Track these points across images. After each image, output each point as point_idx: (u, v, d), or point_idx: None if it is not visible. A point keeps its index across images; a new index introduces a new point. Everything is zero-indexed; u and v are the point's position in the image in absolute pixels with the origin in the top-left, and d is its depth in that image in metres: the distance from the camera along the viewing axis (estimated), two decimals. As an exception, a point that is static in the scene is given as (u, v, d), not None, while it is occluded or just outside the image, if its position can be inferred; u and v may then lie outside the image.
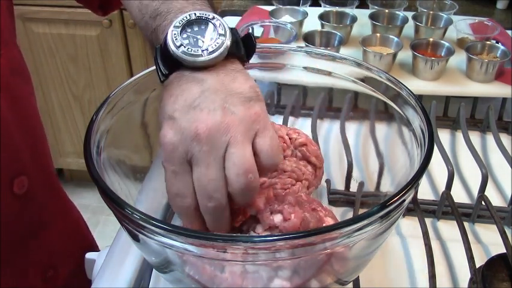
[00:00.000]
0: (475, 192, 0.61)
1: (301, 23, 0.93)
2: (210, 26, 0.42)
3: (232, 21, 0.96)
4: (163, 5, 0.45)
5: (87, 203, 1.96)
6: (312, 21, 0.93)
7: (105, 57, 1.65)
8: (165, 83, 0.42)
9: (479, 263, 0.50)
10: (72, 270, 0.68)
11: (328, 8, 0.99)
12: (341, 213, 0.61)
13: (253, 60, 0.59)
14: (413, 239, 0.58)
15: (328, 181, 0.62)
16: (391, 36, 0.86)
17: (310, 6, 1.07)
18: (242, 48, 0.43)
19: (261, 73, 0.64)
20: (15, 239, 0.58)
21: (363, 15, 0.94)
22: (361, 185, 0.60)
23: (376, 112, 0.57)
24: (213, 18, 0.42)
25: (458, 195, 0.64)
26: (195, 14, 0.42)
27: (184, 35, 0.41)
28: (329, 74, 0.57)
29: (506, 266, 0.48)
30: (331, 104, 0.72)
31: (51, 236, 0.64)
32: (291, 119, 0.74)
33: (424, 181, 0.67)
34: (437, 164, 0.64)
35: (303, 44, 0.85)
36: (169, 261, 0.42)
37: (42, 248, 0.63)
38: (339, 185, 0.62)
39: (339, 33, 0.86)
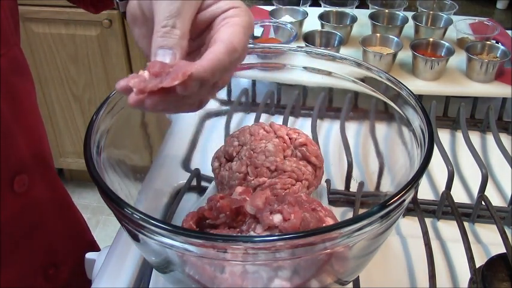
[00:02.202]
0: (475, 192, 0.61)
1: (301, 23, 0.93)
2: None
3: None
4: None
5: (87, 203, 1.97)
6: (312, 21, 0.93)
7: (105, 57, 1.65)
8: None
9: (479, 263, 0.50)
10: (73, 269, 0.68)
11: (328, 8, 0.99)
12: (341, 213, 0.61)
13: (253, 60, 0.60)
14: (413, 239, 0.58)
15: (328, 181, 0.62)
16: (391, 36, 0.86)
17: (310, 6, 1.06)
18: None
19: (261, 73, 0.65)
20: (16, 237, 0.58)
21: (363, 15, 0.94)
22: (361, 185, 0.60)
23: (376, 112, 0.57)
24: None
25: (458, 195, 0.64)
26: None
27: None
28: (329, 74, 0.57)
29: (506, 266, 0.48)
30: (331, 104, 0.72)
31: (51, 234, 0.64)
32: (291, 119, 0.74)
33: (424, 181, 0.67)
34: (437, 164, 0.64)
35: (303, 44, 0.85)
36: (169, 261, 0.42)
37: (43, 246, 0.63)
38: (339, 185, 0.62)
39: (339, 33, 0.86)
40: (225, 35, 0.39)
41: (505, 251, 0.50)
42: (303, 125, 0.74)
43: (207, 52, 0.38)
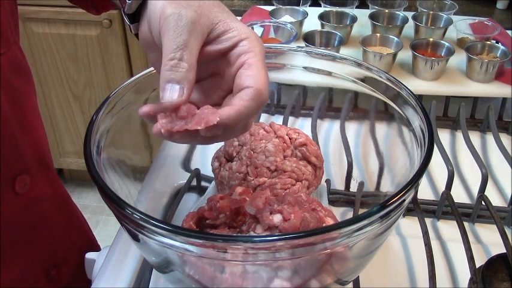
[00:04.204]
0: (475, 192, 0.61)
1: (301, 23, 0.93)
2: None
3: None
4: None
5: (87, 203, 1.96)
6: (312, 21, 0.93)
7: (105, 57, 1.65)
8: None
9: (479, 263, 0.50)
10: (74, 269, 0.68)
11: (328, 8, 0.99)
12: (341, 213, 0.61)
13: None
14: (413, 239, 0.58)
15: (328, 181, 0.62)
16: (391, 36, 0.86)
17: (310, 6, 1.07)
18: None
19: (261, 73, 0.64)
20: (17, 238, 0.58)
21: (363, 15, 0.94)
22: (361, 185, 0.60)
23: (376, 112, 0.57)
24: None
25: (458, 195, 0.64)
26: None
27: None
28: (329, 74, 0.57)
29: (506, 266, 0.48)
30: (331, 104, 0.72)
31: (53, 235, 0.64)
32: (291, 119, 0.74)
33: (424, 181, 0.67)
34: (437, 164, 0.64)
35: (303, 44, 0.85)
36: (169, 261, 0.42)
37: (44, 247, 0.63)
38: (339, 185, 0.62)
39: (339, 33, 0.86)
40: (250, 80, 0.40)
41: (505, 251, 0.50)
42: (303, 125, 0.74)
43: (234, 99, 0.39)
